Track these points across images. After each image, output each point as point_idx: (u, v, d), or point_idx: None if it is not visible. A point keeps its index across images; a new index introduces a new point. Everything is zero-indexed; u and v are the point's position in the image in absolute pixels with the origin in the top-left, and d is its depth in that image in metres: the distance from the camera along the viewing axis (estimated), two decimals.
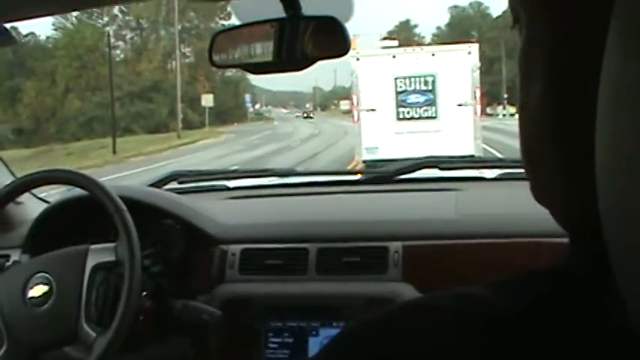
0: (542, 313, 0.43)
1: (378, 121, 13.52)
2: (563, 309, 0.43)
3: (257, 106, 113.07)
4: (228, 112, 67.38)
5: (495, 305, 0.46)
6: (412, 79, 13.56)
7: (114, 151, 30.34)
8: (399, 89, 13.61)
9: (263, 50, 1.66)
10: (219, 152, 26.82)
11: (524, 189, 0.56)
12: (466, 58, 13.43)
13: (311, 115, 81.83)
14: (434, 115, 13.60)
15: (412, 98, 13.61)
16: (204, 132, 45.24)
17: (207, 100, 46.14)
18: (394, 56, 13.84)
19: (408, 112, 13.65)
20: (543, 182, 0.52)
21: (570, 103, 0.47)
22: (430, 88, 13.56)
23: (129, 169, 20.14)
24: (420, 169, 2.39)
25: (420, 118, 13.61)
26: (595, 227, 0.37)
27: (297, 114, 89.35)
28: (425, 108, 13.61)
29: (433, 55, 13.83)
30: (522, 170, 0.54)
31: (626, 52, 0.31)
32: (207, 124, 48.46)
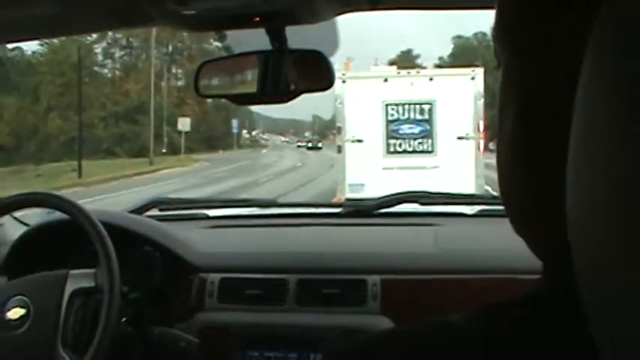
0: (514, 339, 0.44)
1: (366, 154, 11.46)
2: (532, 334, 0.44)
3: (254, 133, 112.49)
4: (219, 138, 65.38)
5: (470, 332, 0.46)
6: (406, 107, 11.55)
7: (79, 175, 28.79)
8: (390, 117, 11.57)
9: (248, 81, 1.68)
10: (173, 186, 23.40)
11: (503, 225, 0.57)
12: (469, 85, 11.32)
13: (319, 146, 64.87)
14: (430, 149, 11.51)
15: (405, 129, 11.62)
16: (177, 159, 42.58)
17: (184, 124, 43.66)
18: (386, 79, 11.69)
19: (400, 145, 11.59)
20: (517, 214, 0.53)
21: (538, 138, 0.48)
22: (427, 117, 11.50)
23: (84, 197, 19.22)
24: (400, 203, 2.40)
25: (414, 151, 11.56)
26: (566, 257, 0.37)
27: (301, 143, 77.04)
28: (420, 140, 11.57)
29: (431, 79, 11.64)
30: (502, 207, 0.55)
31: (596, 98, 0.32)
32: (183, 151, 46.14)
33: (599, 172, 0.31)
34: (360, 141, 11.58)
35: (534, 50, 0.49)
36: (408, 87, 11.51)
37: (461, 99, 11.16)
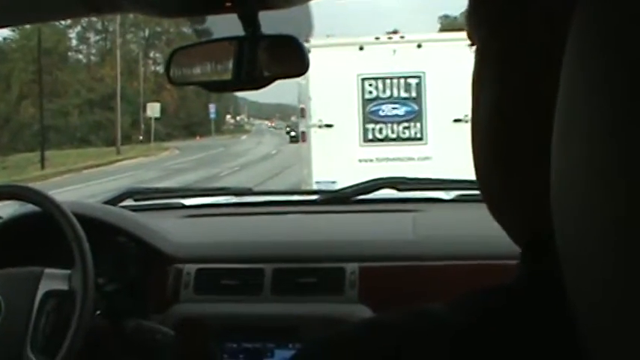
0: (493, 328, 0.44)
1: (337, 142, 8.90)
2: (512, 323, 0.44)
3: (238, 118, 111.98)
4: (199, 124, 64.50)
5: (449, 321, 0.46)
6: (387, 82, 8.91)
7: (42, 167, 27.80)
8: (367, 95, 8.93)
9: (222, 68, 1.65)
10: (124, 181, 20.07)
11: (481, 210, 0.57)
12: (467, 53, 5.59)
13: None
14: (419, 136, 8.96)
15: (387, 110, 8.97)
16: (147, 148, 40.68)
17: (153, 110, 40.57)
18: (361, 47, 9.00)
19: (381, 131, 8.99)
20: (495, 202, 0.53)
21: (518, 121, 0.48)
22: (414, 94, 8.85)
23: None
24: (377, 189, 2.39)
25: (398, 139, 8.97)
26: (545, 242, 0.38)
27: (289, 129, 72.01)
28: (406, 124, 8.97)
29: (419, 46, 8.88)
30: (479, 192, 0.55)
31: (578, 88, 0.32)
32: (160, 138, 44.84)
33: (583, 157, 0.32)
34: (329, 126, 9.04)
35: (510, 31, 0.49)
36: (391, 56, 8.91)
37: (457, 71, 7.74)
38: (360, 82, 8.90)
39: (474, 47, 0.55)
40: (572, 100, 0.33)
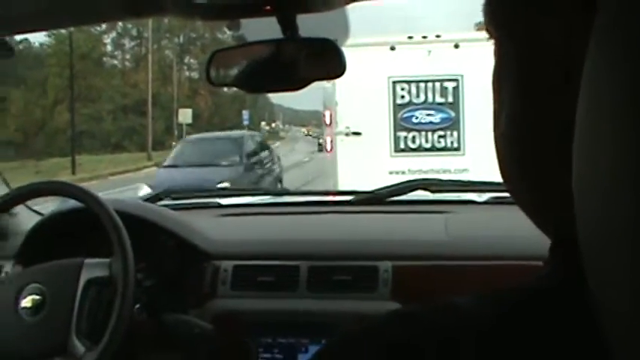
0: (519, 324, 0.44)
1: (365, 152, 8.08)
2: (537, 320, 0.44)
3: (273, 125, 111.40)
4: (232, 130, 63.95)
5: (475, 316, 0.46)
6: (422, 85, 8.09)
7: (73, 172, 27.86)
8: (399, 101, 8.14)
9: (260, 70, 1.69)
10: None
11: (513, 212, 0.57)
12: None
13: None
14: (456, 146, 8.12)
15: (421, 116, 8.16)
16: None
17: (185, 116, 39.57)
18: (393, 47, 8.14)
19: (414, 139, 8.19)
20: (522, 201, 0.53)
21: (539, 117, 0.48)
22: (451, 100, 8.06)
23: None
24: (411, 190, 2.41)
25: (433, 149, 8.17)
26: (574, 241, 0.37)
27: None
28: (441, 133, 8.15)
29: (457, 46, 7.97)
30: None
31: (608, 65, 0.32)
32: None
33: (605, 163, 0.32)
34: (357, 134, 8.25)
35: (527, 35, 0.49)
36: (425, 57, 8.05)
37: None
38: (391, 85, 8.10)
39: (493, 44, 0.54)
40: (595, 107, 0.33)
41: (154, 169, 30.26)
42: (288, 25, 1.64)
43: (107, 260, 1.84)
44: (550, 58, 0.46)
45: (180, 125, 42.05)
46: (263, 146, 16.93)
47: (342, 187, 7.89)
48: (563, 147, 0.40)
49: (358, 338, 0.50)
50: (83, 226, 1.99)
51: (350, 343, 0.50)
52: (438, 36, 8.26)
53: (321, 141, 34.12)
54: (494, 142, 0.54)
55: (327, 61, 1.68)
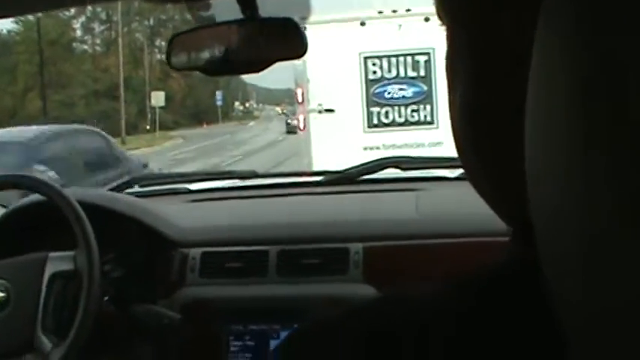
0: (481, 313, 0.44)
1: (339, 129, 8.05)
2: (494, 308, 0.43)
3: (247, 104, 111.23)
4: (206, 111, 63.78)
5: (431, 307, 0.46)
6: (393, 60, 8.04)
7: None
8: (371, 76, 8.08)
9: (221, 52, 1.66)
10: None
11: None
12: None
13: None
14: (429, 119, 8.08)
15: (393, 91, 8.10)
16: (151, 137, 39.48)
17: (158, 99, 39.62)
18: (363, 23, 8.06)
19: (387, 114, 8.14)
20: (478, 181, 0.52)
21: (492, 102, 0.47)
22: (423, 73, 8.00)
23: None
24: (382, 169, 2.40)
25: (406, 123, 8.13)
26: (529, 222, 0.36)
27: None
28: (414, 107, 8.10)
29: (427, 19, 7.65)
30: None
31: (554, 51, 0.31)
32: (169, 126, 43.94)
33: (558, 134, 0.30)
34: (330, 111, 8.17)
35: (478, 25, 0.48)
36: (396, 32, 8.01)
37: None
38: (362, 61, 8.04)
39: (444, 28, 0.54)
40: (546, 89, 0.32)
41: (129, 153, 30.32)
42: (248, 5, 1.61)
43: (71, 253, 1.81)
44: (502, 44, 0.46)
45: (153, 108, 42.08)
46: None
47: (316, 166, 7.82)
48: (516, 130, 0.39)
49: (308, 338, 0.49)
50: (46, 220, 1.95)
51: (324, 329, 0.49)
52: (408, 10, 8.14)
53: (289, 120, 34.36)
54: (450, 121, 0.53)
55: (289, 40, 1.65)
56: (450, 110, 0.53)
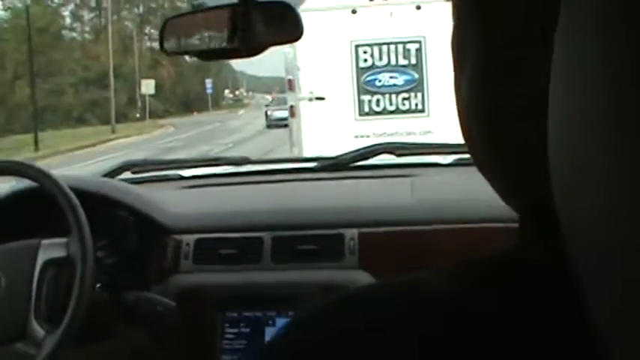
0: (482, 299, 0.42)
1: (330, 117, 8.07)
2: (510, 294, 0.41)
3: (237, 92, 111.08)
4: (196, 99, 64.23)
5: (440, 292, 0.44)
6: (384, 48, 8.08)
7: (36, 149, 27.00)
8: (362, 64, 8.11)
9: (216, 37, 1.64)
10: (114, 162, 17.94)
11: (478, 173, 0.56)
12: None
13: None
14: (420, 107, 8.15)
15: (384, 79, 8.13)
16: (142, 125, 40.24)
17: (148, 87, 40.21)
18: (354, 10, 8.05)
19: (378, 103, 8.17)
20: (486, 164, 0.51)
21: (504, 82, 0.46)
22: (414, 62, 8.04)
23: None
24: (375, 155, 2.39)
25: (397, 111, 8.18)
26: (544, 208, 0.36)
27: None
28: (405, 95, 8.15)
29: (418, 8, 7.89)
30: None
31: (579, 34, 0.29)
32: (159, 115, 44.07)
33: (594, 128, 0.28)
34: (320, 99, 8.17)
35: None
36: (387, 19, 8.00)
37: None
38: (353, 49, 8.07)
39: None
40: (569, 64, 0.30)
41: (119, 141, 30.42)
42: None
43: (64, 240, 1.79)
44: (518, 19, 0.45)
45: (143, 96, 42.17)
46: None
47: (307, 154, 7.70)
48: (526, 111, 0.40)
49: (308, 325, 0.48)
50: (39, 206, 1.93)
51: (321, 317, 0.48)
52: None
53: (269, 112, 33.53)
54: (457, 106, 0.52)
55: (284, 24, 1.64)
56: (457, 93, 0.52)
